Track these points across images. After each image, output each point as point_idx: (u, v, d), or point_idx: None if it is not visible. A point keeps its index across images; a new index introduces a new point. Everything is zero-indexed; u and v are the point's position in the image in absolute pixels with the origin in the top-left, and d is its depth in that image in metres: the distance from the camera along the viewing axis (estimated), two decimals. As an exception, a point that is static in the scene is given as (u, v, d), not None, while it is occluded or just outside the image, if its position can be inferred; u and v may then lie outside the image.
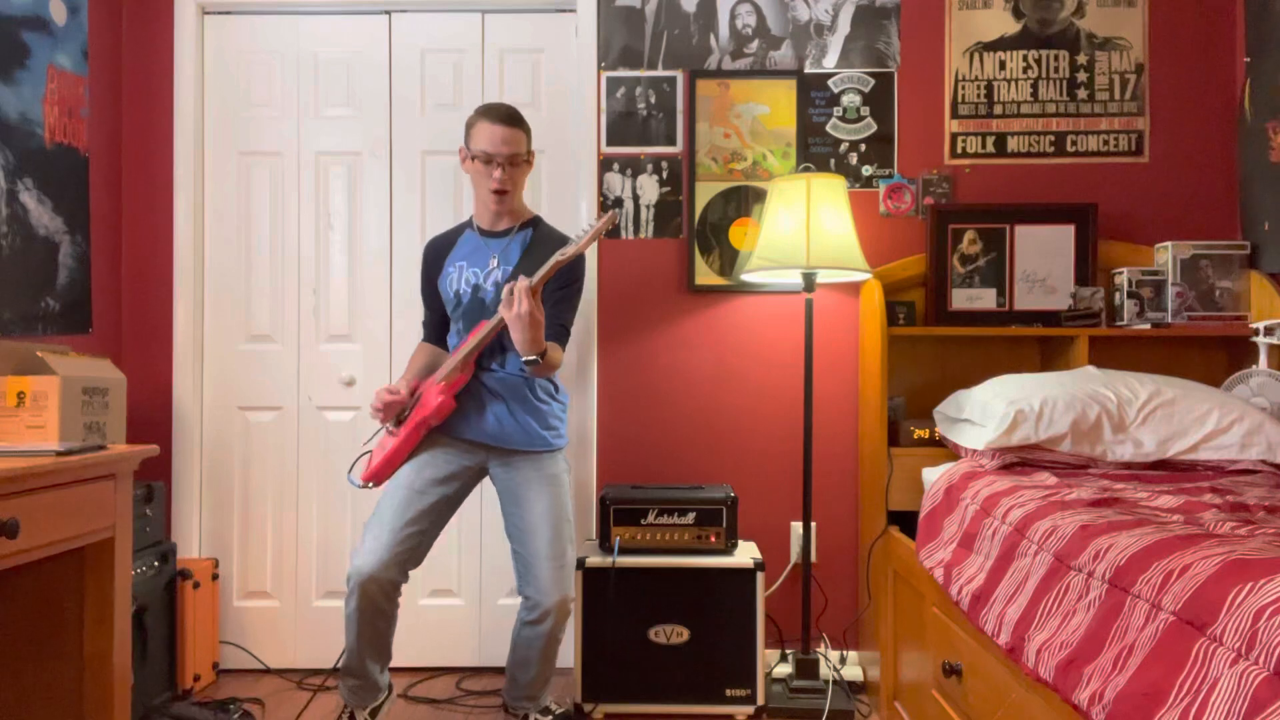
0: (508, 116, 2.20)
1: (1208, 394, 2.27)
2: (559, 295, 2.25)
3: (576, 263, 2.26)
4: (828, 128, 2.87)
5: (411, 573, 2.91)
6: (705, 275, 2.87)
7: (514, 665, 2.34)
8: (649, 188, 2.88)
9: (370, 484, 2.27)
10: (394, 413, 2.26)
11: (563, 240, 2.27)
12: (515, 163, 2.22)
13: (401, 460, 2.27)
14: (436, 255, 2.38)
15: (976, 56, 2.87)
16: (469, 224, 2.37)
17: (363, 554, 2.16)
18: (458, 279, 2.29)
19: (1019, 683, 1.53)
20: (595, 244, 2.88)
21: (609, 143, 2.89)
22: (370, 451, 2.35)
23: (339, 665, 2.27)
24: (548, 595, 2.19)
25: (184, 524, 2.91)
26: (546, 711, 2.36)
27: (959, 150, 2.87)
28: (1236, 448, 2.16)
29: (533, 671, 2.31)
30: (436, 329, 2.44)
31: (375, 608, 2.17)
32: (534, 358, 2.07)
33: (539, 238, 2.28)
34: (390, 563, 2.15)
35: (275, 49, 2.96)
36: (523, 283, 2.04)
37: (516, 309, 2.02)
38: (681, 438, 2.90)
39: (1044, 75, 2.87)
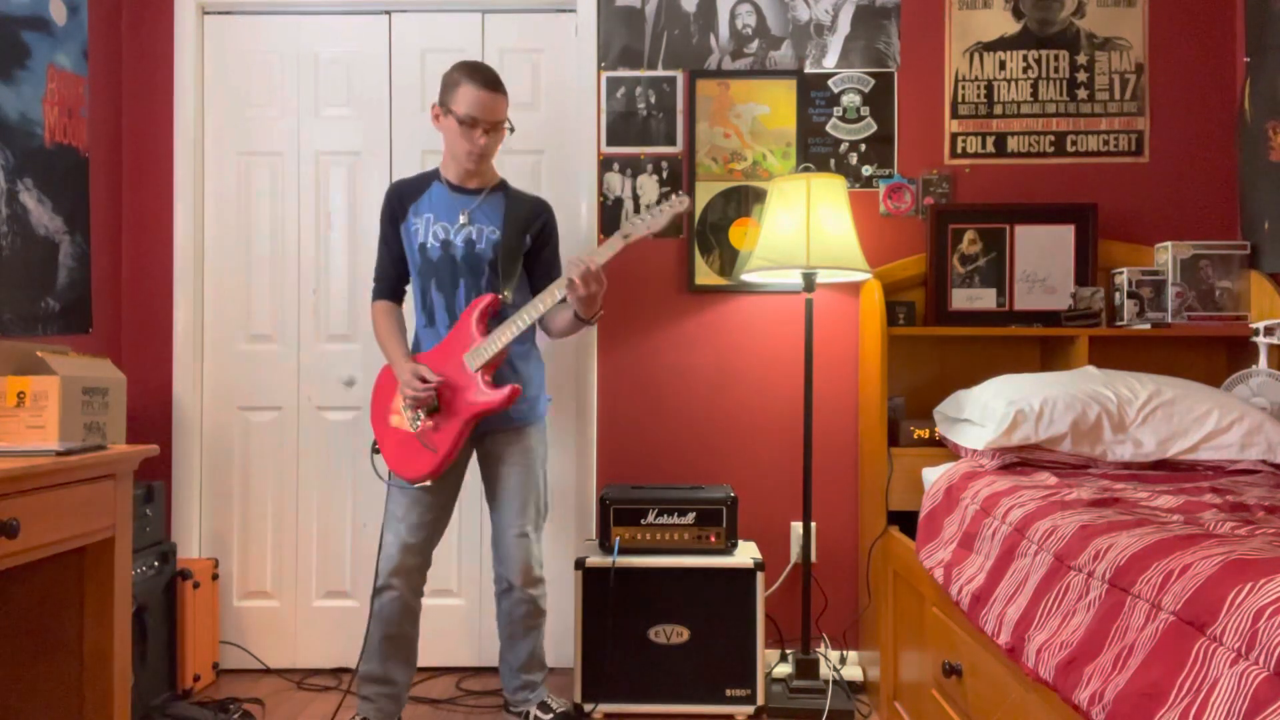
0: (493, 82, 2.20)
1: (1208, 394, 2.27)
2: (549, 252, 2.36)
3: (552, 217, 2.37)
4: (828, 128, 2.87)
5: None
6: (705, 275, 2.86)
7: (504, 650, 2.39)
8: (649, 188, 2.88)
9: (429, 480, 2.19)
10: (431, 402, 2.17)
11: (534, 202, 2.34)
12: (498, 129, 2.24)
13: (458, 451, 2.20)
14: (402, 199, 2.31)
15: (976, 56, 2.87)
16: (436, 175, 2.33)
17: (388, 546, 2.23)
18: (425, 231, 2.26)
19: (1019, 683, 1.53)
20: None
21: (609, 143, 2.89)
22: (377, 444, 2.28)
23: (360, 675, 2.26)
24: (509, 563, 2.30)
25: (184, 524, 2.91)
26: (546, 708, 2.36)
27: (959, 150, 2.87)
28: (1236, 448, 2.16)
29: (521, 649, 2.36)
30: (394, 283, 2.36)
31: (404, 603, 2.23)
32: (596, 315, 2.22)
33: (513, 200, 2.31)
34: (414, 550, 2.23)
35: (275, 49, 2.95)
36: (594, 265, 2.08)
37: (589, 290, 2.09)
38: (681, 438, 2.90)
39: (1044, 75, 2.87)
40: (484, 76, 2.19)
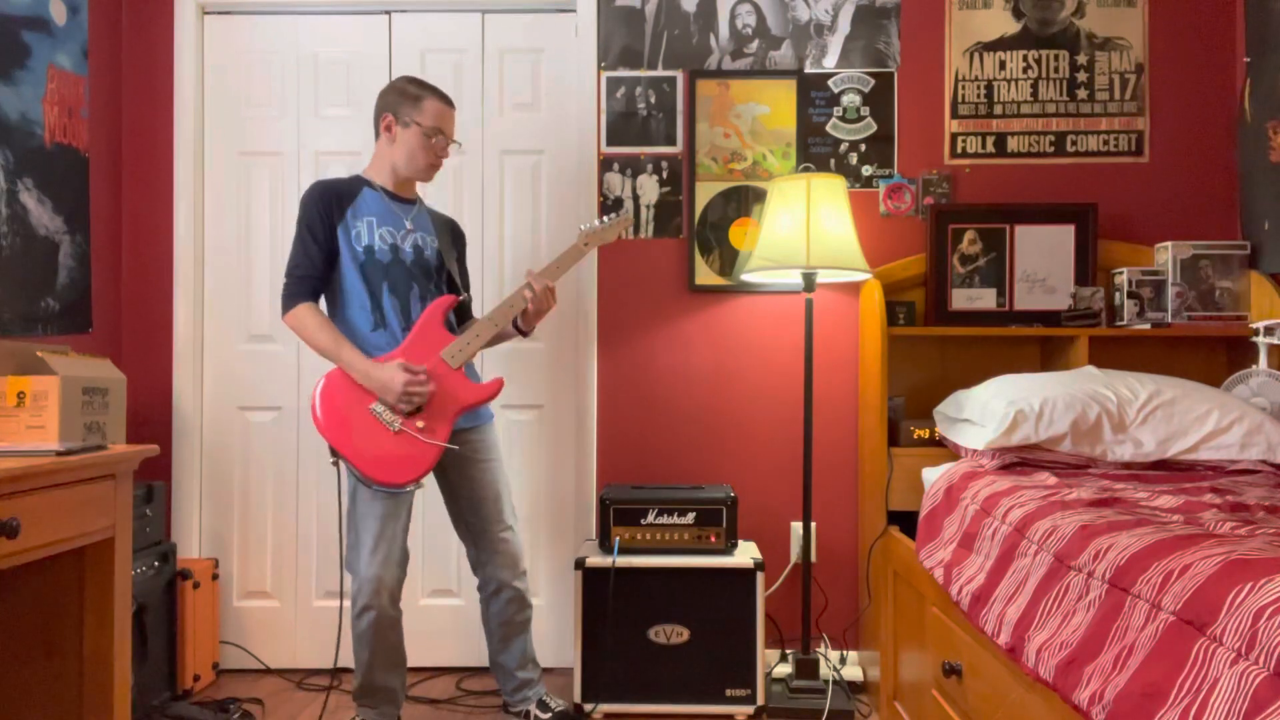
0: (450, 99, 2.32)
1: (1208, 394, 2.27)
2: (462, 266, 2.45)
3: (463, 235, 2.49)
4: (828, 128, 2.87)
5: (411, 573, 2.92)
6: (705, 275, 2.86)
7: (496, 653, 2.39)
8: (649, 188, 2.88)
9: (422, 480, 2.14)
10: (427, 392, 2.12)
11: (452, 221, 2.44)
12: (451, 142, 2.33)
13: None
14: (339, 199, 2.23)
15: (976, 56, 2.87)
16: (365, 181, 2.29)
17: (367, 566, 2.15)
18: (369, 234, 2.22)
19: (1019, 683, 1.53)
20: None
21: (609, 143, 2.89)
22: (342, 455, 2.12)
23: (355, 689, 2.25)
24: (500, 561, 2.32)
25: (184, 524, 2.91)
26: (545, 707, 2.36)
27: (959, 150, 2.87)
28: (1236, 448, 2.16)
29: (515, 648, 2.36)
30: (321, 283, 2.23)
31: (388, 618, 2.19)
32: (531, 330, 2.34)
33: (435, 215, 2.39)
34: (395, 565, 2.19)
35: (275, 49, 2.96)
36: (549, 282, 2.23)
37: (547, 305, 2.24)
38: (681, 438, 2.90)
39: (1044, 75, 2.87)
40: (443, 93, 2.30)
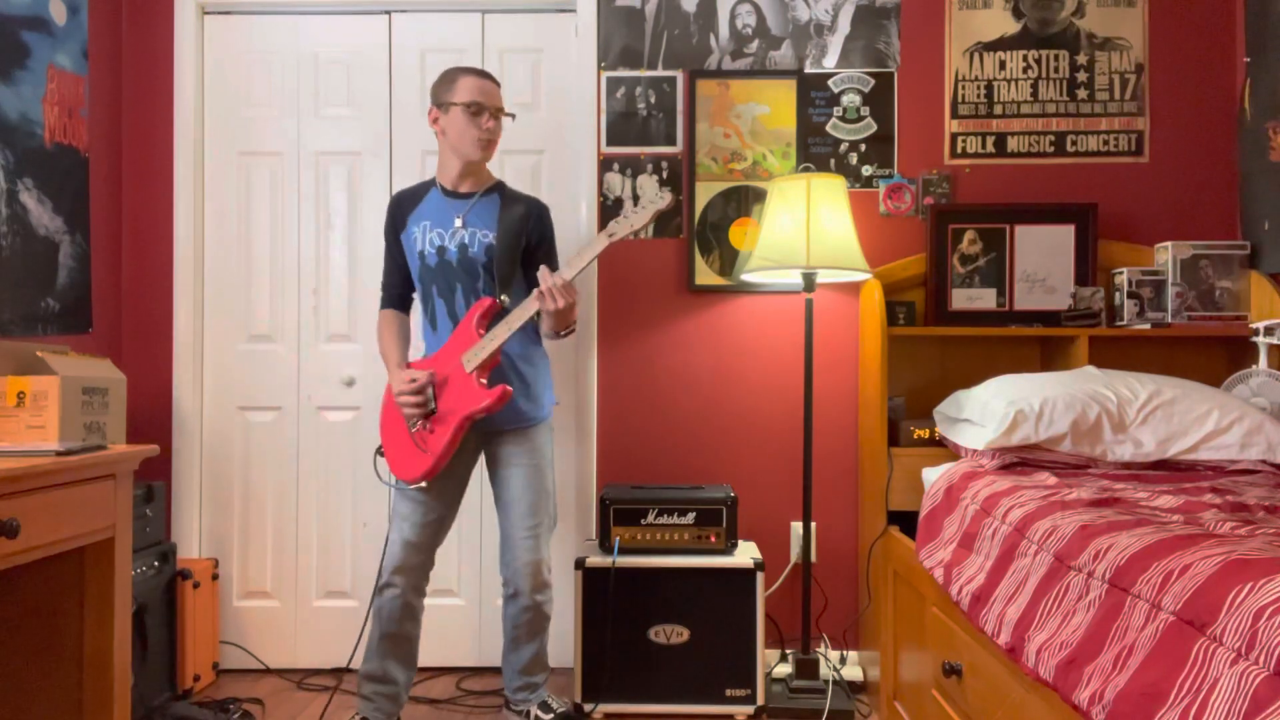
0: (489, 74, 2.29)
1: (1208, 394, 2.27)
2: (543, 252, 2.33)
3: (545, 216, 2.33)
4: (828, 128, 2.87)
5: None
6: (705, 275, 2.86)
7: (507, 651, 2.39)
8: (649, 188, 2.88)
9: (424, 481, 2.20)
10: (427, 402, 2.18)
11: (529, 202, 2.32)
12: (499, 116, 2.28)
13: (453, 453, 2.22)
14: (401, 209, 2.34)
15: (976, 56, 2.87)
16: (433, 182, 2.34)
17: (391, 544, 2.25)
18: (422, 239, 2.27)
19: (1019, 683, 1.53)
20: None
21: (609, 143, 2.89)
22: (382, 447, 2.29)
23: (360, 672, 2.27)
24: (518, 567, 2.29)
25: (184, 524, 2.91)
26: (547, 708, 2.36)
27: (959, 150, 2.87)
28: (1236, 448, 2.16)
29: (524, 652, 2.36)
30: (400, 290, 2.39)
31: (404, 600, 2.24)
32: (568, 329, 2.23)
33: (509, 201, 2.31)
34: (415, 549, 2.24)
35: (275, 49, 2.96)
36: (558, 280, 2.10)
37: (555, 305, 2.11)
38: (681, 438, 2.90)
39: (1044, 75, 2.87)
40: (479, 69, 2.28)
